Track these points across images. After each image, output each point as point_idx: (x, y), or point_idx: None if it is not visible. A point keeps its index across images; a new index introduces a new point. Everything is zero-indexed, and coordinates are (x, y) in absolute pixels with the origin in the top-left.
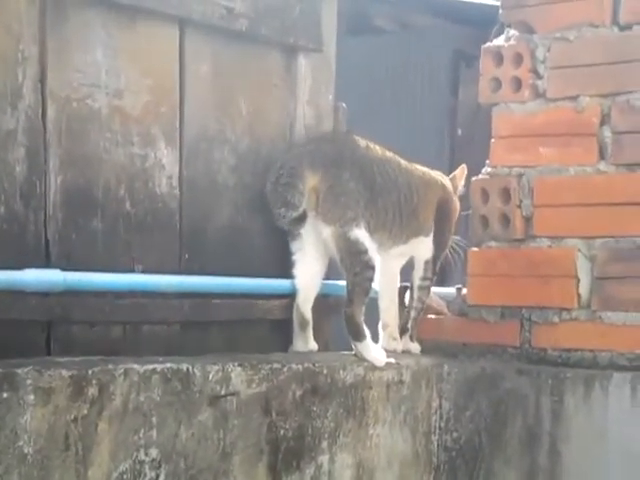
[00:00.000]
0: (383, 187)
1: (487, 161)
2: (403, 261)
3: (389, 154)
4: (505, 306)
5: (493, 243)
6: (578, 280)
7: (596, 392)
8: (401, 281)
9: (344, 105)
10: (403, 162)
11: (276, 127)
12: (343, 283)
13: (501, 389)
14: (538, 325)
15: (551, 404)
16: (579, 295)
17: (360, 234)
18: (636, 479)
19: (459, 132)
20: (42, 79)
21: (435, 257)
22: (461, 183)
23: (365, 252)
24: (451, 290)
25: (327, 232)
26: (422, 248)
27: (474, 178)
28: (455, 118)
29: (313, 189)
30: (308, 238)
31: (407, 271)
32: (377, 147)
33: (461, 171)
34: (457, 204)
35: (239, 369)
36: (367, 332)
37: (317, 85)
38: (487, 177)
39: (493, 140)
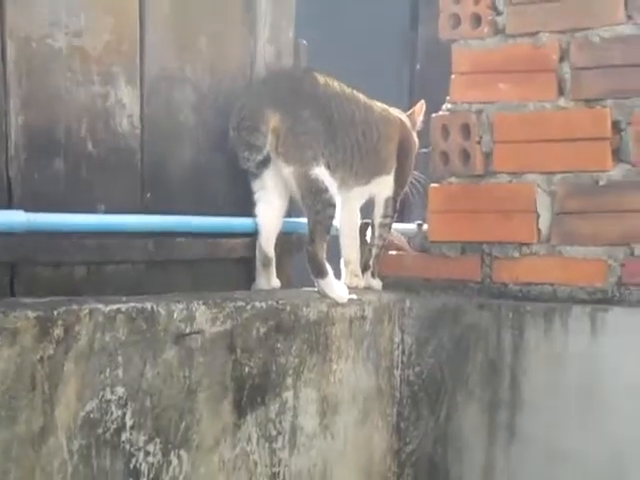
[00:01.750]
0: (342, 124)
1: (447, 97)
2: (364, 199)
3: (348, 90)
4: (466, 242)
5: (454, 179)
6: (538, 215)
7: (556, 325)
8: (362, 218)
9: (304, 42)
10: (362, 98)
11: (237, 65)
12: (304, 221)
13: (462, 323)
14: (499, 260)
15: (512, 337)
16: (539, 230)
17: (320, 172)
18: (594, 409)
19: (418, 68)
20: (1, 19)
21: (396, 194)
22: (419, 119)
23: (326, 190)
24: (412, 226)
25: (288, 171)
26: (383, 186)
27: (434, 114)
28: (414, 54)
29: (273, 130)
30: (269, 177)
31: (368, 208)
32: (336, 83)
33: (419, 107)
34: (416, 140)
35: (203, 307)
36: (329, 269)
37: (277, 22)
38: (447, 113)
39: (453, 76)
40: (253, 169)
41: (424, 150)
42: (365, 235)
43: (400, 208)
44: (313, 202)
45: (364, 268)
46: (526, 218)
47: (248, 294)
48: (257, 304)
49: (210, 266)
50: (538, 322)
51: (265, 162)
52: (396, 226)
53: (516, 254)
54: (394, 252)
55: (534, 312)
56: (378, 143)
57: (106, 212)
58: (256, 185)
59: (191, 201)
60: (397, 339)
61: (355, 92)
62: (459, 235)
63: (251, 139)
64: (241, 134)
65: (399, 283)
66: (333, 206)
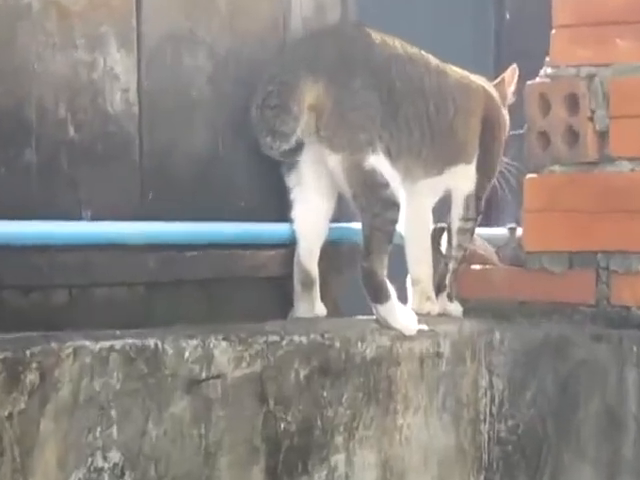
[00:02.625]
0: (406, 96)
1: (546, 59)
2: (437, 196)
3: (414, 51)
4: (575, 252)
5: (557, 167)
6: None
7: None
8: (435, 221)
9: None
10: (433, 62)
11: (265, 22)
12: (358, 226)
13: (571, 360)
14: (619, 276)
15: (638, 378)
16: None
17: (378, 162)
18: None
19: (507, 17)
20: None
21: (479, 190)
22: (511, 89)
23: (385, 186)
24: (502, 232)
25: (334, 161)
26: (463, 179)
27: (529, 82)
28: (503, 3)
29: (313, 106)
30: (309, 169)
31: (442, 208)
32: (397, 43)
33: (511, 73)
34: (506, 117)
35: (224, 344)
36: (392, 291)
37: None
38: (547, 80)
39: (554, 31)
40: (280, 157)
41: (516, 131)
42: (439, 244)
43: (485, 208)
44: (369, 202)
45: (438, 288)
46: None
47: (283, 325)
48: (296, 338)
49: (232, 288)
50: None
51: (296, 150)
52: (480, 231)
53: None
54: (478, 266)
55: None
56: (455, 120)
57: (93, 219)
58: (291, 180)
59: (206, 203)
60: (484, 383)
61: (423, 53)
62: (565, 243)
63: (277, 123)
64: (265, 114)
65: (485, 308)
66: (396, 206)
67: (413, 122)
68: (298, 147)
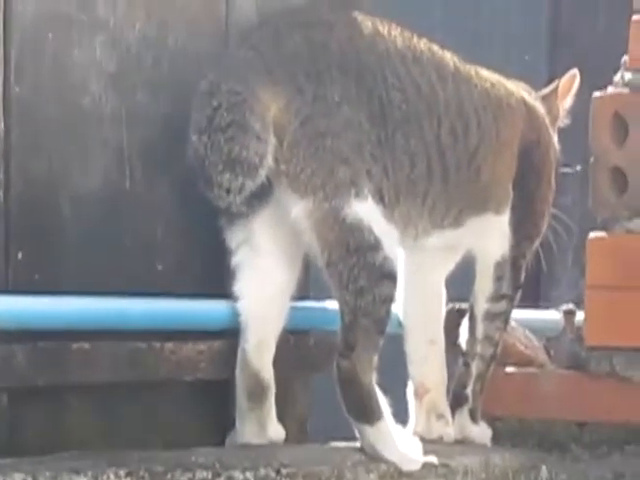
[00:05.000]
0: (407, 113)
1: (623, 58)
2: (453, 262)
3: (422, 47)
4: None
5: (638, 223)
6: None
7: None
8: (450, 300)
9: None
10: (451, 62)
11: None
12: (335, 307)
13: None
14: None
15: None
16: None
17: (365, 211)
18: None
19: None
20: None
21: (517, 254)
22: (567, 103)
23: (376, 247)
24: (554, 316)
25: (300, 210)
26: (491, 237)
27: (597, 94)
28: None
29: (273, 124)
30: (262, 221)
31: (462, 281)
32: (397, 33)
33: (569, 81)
34: (556, 145)
35: None
36: (384, 405)
37: None
38: (624, 92)
39: (636, 17)
40: (238, 208)
41: (575, 168)
42: (457, 335)
43: (528, 281)
44: (351, 271)
45: (456, 402)
46: None
47: (218, 455)
48: (237, 476)
49: (143, 398)
50: None
51: (262, 196)
52: (520, 316)
53: None
54: (516, 369)
55: None
56: (480, 151)
57: None
58: (235, 236)
59: (103, 267)
60: None
61: (437, 50)
62: None
63: (234, 149)
64: (214, 141)
65: (528, 432)
66: (391, 277)
67: (417, 152)
68: (262, 193)
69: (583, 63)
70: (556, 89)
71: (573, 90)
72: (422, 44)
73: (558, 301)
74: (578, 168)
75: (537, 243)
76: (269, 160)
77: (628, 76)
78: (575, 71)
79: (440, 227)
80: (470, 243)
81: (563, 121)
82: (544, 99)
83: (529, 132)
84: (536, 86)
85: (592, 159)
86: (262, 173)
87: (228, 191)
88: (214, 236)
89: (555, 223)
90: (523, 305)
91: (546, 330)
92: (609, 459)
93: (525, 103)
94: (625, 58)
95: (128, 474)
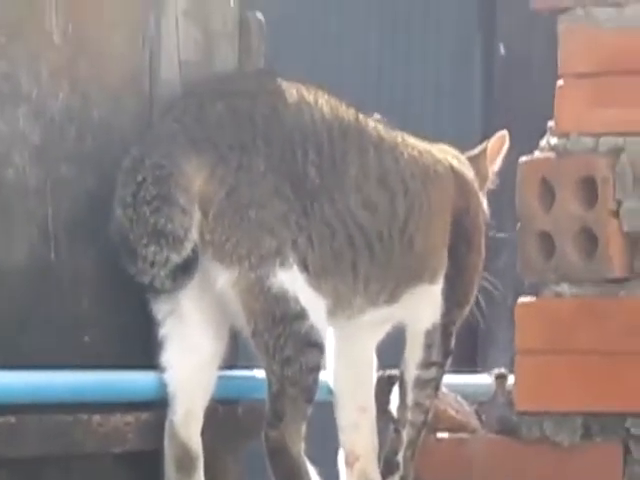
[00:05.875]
0: (333, 182)
1: (549, 124)
2: (383, 331)
3: (348, 115)
4: (592, 413)
5: (565, 287)
6: None
7: None
8: (380, 366)
9: (260, 17)
10: (376, 129)
11: (123, 68)
12: (263, 376)
13: None
14: None
15: None
16: None
17: (290, 280)
18: None
19: (502, 53)
20: None
21: (448, 321)
22: (494, 167)
23: (301, 316)
24: (484, 381)
25: (226, 280)
26: (423, 306)
27: (523, 158)
28: (494, 32)
29: (197, 198)
30: (189, 292)
31: (391, 346)
32: (323, 100)
33: (497, 143)
34: (485, 210)
35: None
36: (313, 476)
37: None
38: (551, 156)
39: (560, 82)
40: (162, 281)
41: (503, 234)
42: (388, 401)
43: (458, 347)
44: (277, 341)
45: (388, 469)
46: None
47: None
48: None
49: (68, 470)
50: None
51: (188, 268)
52: (451, 382)
53: None
54: (448, 435)
55: None
56: (410, 221)
57: None
58: (162, 307)
59: (27, 338)
60: None
61: (362, 117)
62: (578, 401)
63: (159, 222)
64: (140, 214)
65: None
66: (317, 347)
67: (333, 224)
68: (188, 266)
69: (513, 124)
70: (485, 150)
71: (502, 151)
72: (348, 110)
73: (495, 364)
74: (507, 234)
75: (467, 310)
76: (194, 233)
77: (554, 141)
78: (504, 132)
79: (375, 305)
80: (401, 314)
81: (493, 183)
82: (473, 160)
83: (459, 199)
84: (469, 144)
85: (519, 224)
86: (187, 246)
87: (152, 264)
88: (141, 307)
89: (490, 287)
90: (460, 369)
91: (478, 395)
92: None
93: (453, 170)
94: (551, 123)
95: None
